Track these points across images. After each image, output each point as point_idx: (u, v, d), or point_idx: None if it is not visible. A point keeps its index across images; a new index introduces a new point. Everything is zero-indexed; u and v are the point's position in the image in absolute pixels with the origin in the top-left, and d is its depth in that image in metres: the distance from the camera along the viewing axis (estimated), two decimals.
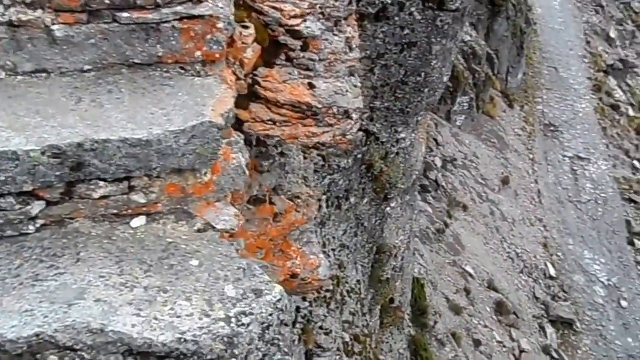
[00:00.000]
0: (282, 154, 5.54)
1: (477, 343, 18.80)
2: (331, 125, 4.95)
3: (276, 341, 2.22)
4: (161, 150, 2.25)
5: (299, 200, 5.34)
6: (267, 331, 2.13)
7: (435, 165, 20.53)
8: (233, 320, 2.05)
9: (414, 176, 11.60)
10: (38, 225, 2.30)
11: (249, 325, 2.05)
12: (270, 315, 2.13)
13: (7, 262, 2.21)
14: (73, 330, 1.94)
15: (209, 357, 1.99)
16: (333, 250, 10.19)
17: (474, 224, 21.82)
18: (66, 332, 1.94)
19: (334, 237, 10.26)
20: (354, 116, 4.99)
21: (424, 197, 19.94)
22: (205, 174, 2.43)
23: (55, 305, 2.02)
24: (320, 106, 4.84)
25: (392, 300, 13.70)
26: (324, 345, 9.55)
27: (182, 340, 1.96)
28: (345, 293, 10.48)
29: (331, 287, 9.61)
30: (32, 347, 1.93)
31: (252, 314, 2.09)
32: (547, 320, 20.70)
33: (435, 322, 17.66)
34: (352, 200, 10.45)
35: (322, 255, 5.30)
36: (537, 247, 22.67)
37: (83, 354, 1.95)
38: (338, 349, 9.53)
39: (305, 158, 7.13)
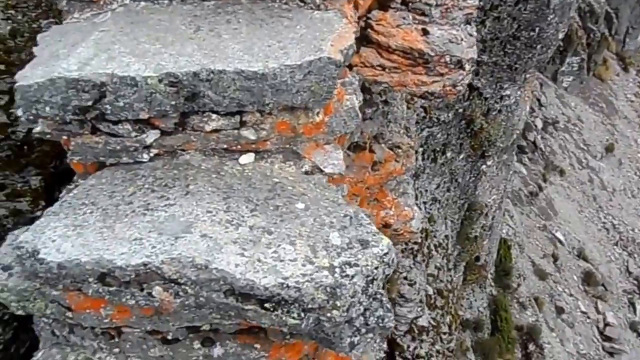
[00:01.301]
0: (385, 102, 5.21)
1: (560, 310, 17.92)
2: (442, 75, 4.53)
3: (379, 295, 2.02)
4: (275, 85, 2.05)
5: (399, 150, 5.03)
6: (370, 285, 1.93)
7: (535, 126, 19.14)
8: (337, 270, 1.87)
9: (514, 135, 10.81)
10: (152, 154, 2.22)
11: (353, 277, 1.86)
12: (376, 268, 1.93)
13: (121, 189, 2.16)
14: (179, 264, 1.85)
15: (309, 306, 1.84)
16: (424, 203, 9.85)
17: (570, 190, 20.35)
18: (172, 265, 1.85)
19: (426, 190, 9.90)
20: (467, 67, 4.54)
21: (520, 158, 18.77)
22: (317, 113, 2.21)
23: (163, 237, 1.94)
24: (432, 54, 4.43)
25: (477, 258, 13.23)
26: (406, 296, 9.40)
27: (285, 285, 1.82)
28: (432, 247, 10.18)
29: (419, 240, 9.36)
30: (139, 276, 1.87)
31: (357, 265, 1.90)
32: (638, 296, 19.26)
33: (519, 285, 16.98)
34: (448, 154, 9.96)
35: (416, 208, 5.00)
36: (637, 220, 20.86)
37: (187, 288, 1.87)
38: (420, 301, 9.36)
39: (408, 108, 6.74)
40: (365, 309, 1.96)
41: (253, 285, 1.81)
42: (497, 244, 15.24)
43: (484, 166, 11.28)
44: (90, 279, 1.89)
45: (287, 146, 2.28)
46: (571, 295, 19.00)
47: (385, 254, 1.97)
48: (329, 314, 1.85)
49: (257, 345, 2.11)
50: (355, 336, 1.98)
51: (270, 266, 1.86)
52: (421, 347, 9.42)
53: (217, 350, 2.11)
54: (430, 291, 10.02)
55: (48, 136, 2.21)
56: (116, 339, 2.13)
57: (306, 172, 2.27)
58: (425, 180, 10.03)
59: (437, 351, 9.95)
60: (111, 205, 2.08)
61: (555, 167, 19.39)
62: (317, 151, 2.30)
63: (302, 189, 2.19)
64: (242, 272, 1.82)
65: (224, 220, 2.00)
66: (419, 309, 9.29)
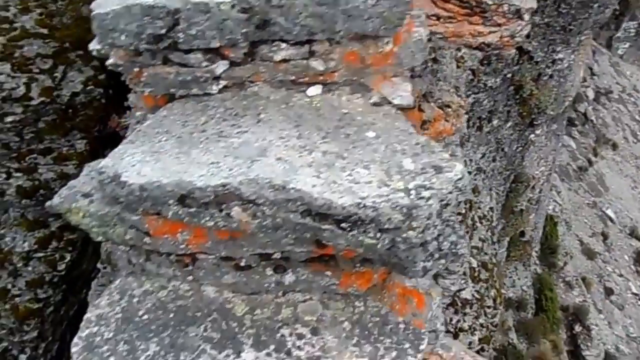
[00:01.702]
0: (435, 60, 5.22)
1: (609, 291, 17.63)
2: (499, 25, 4.52)
3: (451, 222, 2.10)
4: (347, 10, 2.12)
5: (449, 110, 5.05)
6: (444, 209, 2.01)
7: (587, 96, 18.63)
8: (412, 192, 1.95)
9: (566, 103, 10.58)
10: (220, 86, 2.33)
11: (428, 199, 1.94)
12: (450, 192, 2.00)
13: (193, 119, 2.27)
14: (256, 185, 1.96)
15: (386, 226, 1.92)
16: (469, 172, 9.79)
17: (623, 165, 19.85)
18: (250, 185, 1.96)
19: (470, 160, 9.84)
20: (526, 17, 4.51)
21: (569, 130, 18.38)
22: (387, 43, 2.28)
23: (239, 160, 2.05)
24: (490, 2, 4.42)
25: (522, 234, 13.11)
26: (449, 268, 9.43)
27: (362, 205, 1.91)
28: (476, 218, 10.14)
29: (463, 210, 9.33)
30: (218, 197, 1.98)
31: (431, 188, 1.97)
32: None
33: (565, 263, 16.75)
34: (495, 122, 9.84)
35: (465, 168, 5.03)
36: None
37: (264, 208, 1.98)
38: (464, 273, 9.37)
39: (457, 67, 6.70)
40: (438, 234, 2.04)
41: (330, 204, 1.90)
42: (544, 220, 15.03)
43: (532, 135, 11.10)
44: (171, 201, 2.02)
45: (355, 78, 2.36)
46: (621, 275, 18.65)
47: (459, 179, 2.04)
48: (404, 235, 1.93)
49: (328, 273, 2.22)
50: (428, 261, 2.06)
51: (346, 187, 1.95)
52: (464, 321, 9.46)
53: (289, 277, 2.22)
54: (474, 264, 10.00)
55: (120, 68, 2.34)
56: (190, 267, 2.28)
57: (374, 104, 2.34)
58: (469, 149, 9.96)
59: (481, 325, 9.97)
60: (185, 133, 2.20)
61: (608, 140, 18.89)
62: (385, 83, 2.37)
63: (372, 119, 2.27)
64: (319, 192, 1.92)
65: (297, 146, 2.10)
66: (462, 281, 9.30)
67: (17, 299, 5.74)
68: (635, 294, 18.63)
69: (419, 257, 2.05)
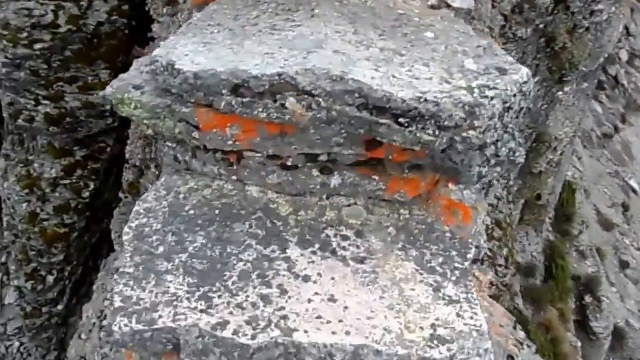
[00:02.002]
0: None
1: (624, 264, 17.55)
2: None
3: (510, 129, 2.05)
4: None
5: None
6: (506, 113, 1.96)
7: (619, 58, 18.12)
8: (475, 90, 1.91)
9: (601, 59, 10.30)
10: None
11: (492, 98, 1.89)
12: (514, 95, 1.95)
13: (244, 12, 2.23)
14: (313, 75, 1.92)
15: (446, 122, 1.88)
16: None
17: None
18: (306, 76, 1.92)
19: None
20: None
21: (596, 94, 17.95)
22: None
23: (295, 51, 2.00)
24: None
25: (538, 197, 13.00)
26: None
27: (422, 99, 1.86)
28: None
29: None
30: (273, 86, 1.95)
31: (495, 88, 1.92)
32: None
33: (580, 232, 16.65)
34: None
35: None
36: None
37: (320, 99, 1.94)
38: None
39: (493, 7, 6.52)
40: (497, 139, 2.00)
41: (390, 97, 1.86)
42: (561, 186, 14.87)
43: (560, 92, 10.86)
44: (224, 91, 1.99)
45: None
46: (639, 249, 18.53)
47: (524, 83, 1.98)
48: (464, 134, 1.89)
49: (375, 177, 2.20)
50: (484, 167, 2.03)
51: (406, 82, 1.90)
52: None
53: (335, 180, 2.21)
54: (488, 221, 9.99)
55: None
56: (235, 166, 2.26)
57: (432, 6, 2.27)
58: None
59: (491, 283, 10.03)
60: (237, 26, 2.15)
61: (638, 106, 18.45)
62: None
63: (429, 21, 2.20)
64: (378, 85, 1.88)
65: (354, 41, 2.05)
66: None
67: (45, 223, 5.88)
68: None
69: (475, 161, 2.01)
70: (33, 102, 5.93)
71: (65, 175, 5.78)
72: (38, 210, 5.81)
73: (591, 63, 9.95)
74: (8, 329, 9.56)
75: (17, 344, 9.52)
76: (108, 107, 6.05)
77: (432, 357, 1.85)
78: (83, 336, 5.43)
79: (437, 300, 1.98)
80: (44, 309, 6.77)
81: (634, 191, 18.31)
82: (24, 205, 5.92)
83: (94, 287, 5.41)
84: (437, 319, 1.93)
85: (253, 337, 1.87)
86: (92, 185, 5.88)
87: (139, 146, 5.51)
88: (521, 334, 4.76)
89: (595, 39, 9.37)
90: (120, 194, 5.66)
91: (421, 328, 1.90)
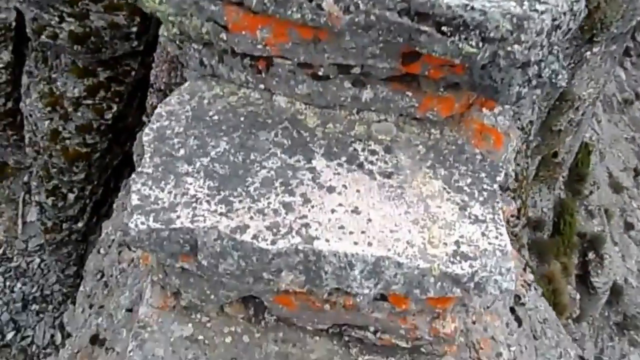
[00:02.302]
0: None
1: (629, 226, 17.45)
2: None
3: (556, 50, 1.89)
4: None
5: None
6: (554, 31, 1.79)
7: None
8: (525, 3, 1.74)
9: (634, 22, 9.81)
10: None
11: (542, 13, 1.73)
12: (564, 14, 1.78)
13: None
14: None
15: (491, 34, 1.73)
16: None
17: None
18: None
19: None
20: None
21: (621, 60, 17.34)
22: None
23: None
24: None
25: (555, 154, 12.77)
26: None
27: (469, 7, 1.71)
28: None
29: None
30: None
31: (546, 3, 1.76)
32: None
33: (591, 192, 16.48)
34: None
35: None
36: None
37: (359, 1, 1.80)
38: None
39: None
40: (541, 59, 1.84)
41: (434, 2, 1.71)
42: (578, 146, 14.57)
43: (588, 53, 10.43)
44: None
45: None
46: None
47: (576, 2, 1.80)
48: (509, 48, 1.75)
49: (409, 94, 2.07)
50: (524, 87, 1.89)
51: None
52: None
53: (367, 94, 2.08)
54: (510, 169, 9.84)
55: None
56: (263, 74, 2.14)
57: None
58: None
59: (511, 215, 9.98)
60: None
61: None
62: None
63: None
64: None
65: None
66: None
67: (67, 141, 5.83)
68: None
69: (516, 80, 1.87)
70: (57, 19, 5.76)
71: (89, 96, 5.69)
72: (60, 128, 5.76)
73: (623, 25, 9.48)
74: (29, 246, 9.77)
75: (37, 260, 9.75)
76: (134, 29, 5.87)
77: (454, 272, 1.77)
78: (102, 251, 5.48)
79: (463, 219, 1.89)
80: (64, 226, 6.85)
81: None
82: (46, 122, 5.86)
83: (115, 205, 5.41)
84: (461, 237, 1.84)
85: (273, 243, 1.80)
86: (115, 108, 5.79)
87: (164, 70, 5.37)
88: (530, 277, 4.72)
89: (630, 1, 8.89)
90: (144, 118, 5.57)
91: (445, 244, 1.82)
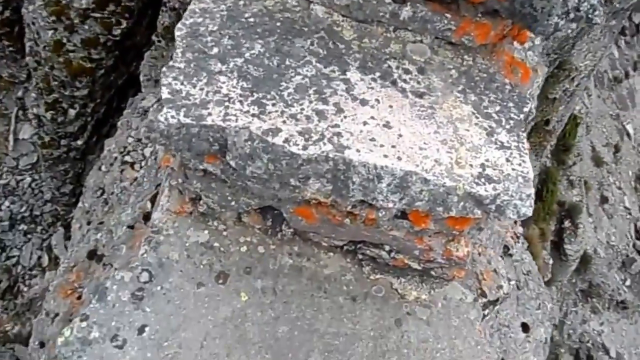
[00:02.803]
0: None
1: (604, 200, 17.84)
2: None
3: None
4: None
5: None
6: None
7: None
8: None
9: None
10: None
11: None
12: None
13: None
14: None
15: None
16: None
17: None
18: None
19: None
20: None
21: (616, 38, 17.19)
22: None
23: None
24: None
25: (547, 122, 12.81)
26: None
27: None
28: None
29: None
30: None
31: None
32: None
33: (574, 163, 16.72)
34: None
35: None
36: None
37: None
38: None
39: None
40: None
41: None
42: (568, 117, 14.63)
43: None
44: None
45: None
46: (620, 188, 18.76)
47: None
48: None
49: (448, 16, 2.00)
50: (562, 19, 1.84)
51: None
52: None
53: (406, 12, 2.00)
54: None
55: None
56: None
57: None
58: None
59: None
60: None
61: None
62: None
63: None
64: None
65: None
66: None
67: (71, 55, 5.61)
68: (627, 208, 18.88)
69: (555, 10, 1.81)
70: None
71: (97, 8, 5.44)
72: (64, 40, 5.52)
73: (625, 0, 9.32)
74: (20, 163, 9.55)
75: (28, 179, 9.55)
76: None
77: (478, 193, 1.76)
78: (103, 168, 5.40)
79: (489, 144, 1.87)
80: (62, 142, 6.69)
81: (628, 135, 18.20)
82: (50, 32, 5.60)
83: (119, 123, 5.28)
84: (487, 160, 1.82)
85: (304, 148, 1.76)
86: (124, 24, 5.56)
87: None
88: (520, 229, 4.79)
89: None
90: (154, 37, 5.36)
91: (471, 165, 1.80)
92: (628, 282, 18.36)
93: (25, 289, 8.92)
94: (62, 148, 6.82)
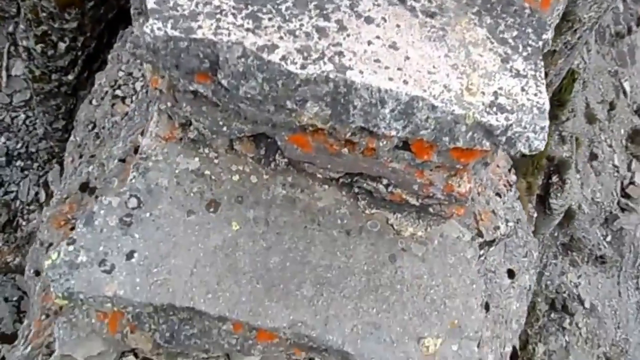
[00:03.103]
0: None
1: (593, 157, 17.82)
2: None
3: None
4: None
5: None
6: None
7: None
8: None
9: None
10: None
11: None
12: None
13: None
14: None
15: None
16: None
17: None
18: None
19: None
20: None
21: None
22: None
23: None
24: None
25: (545, 75, 12.56)
26: None
27: None
28: None
29: None
30: None
31: None
32: None
33: (567, 119, 16.57)
34: None
35: None
36: None
37: None
38: None
39: None
40: None
41: None
42: (566, 71, 14.34)
43: None
44: None
45: None
46: (610, 146, 18.72)
47: None
48: None
49: None
50: None
51: None
52: None
53: None
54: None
55: None
56: None
57: None
58: None
59: None
60: None
61: None
62: None
63: None
64: None
65: None
66: None
67: None
68: (615, 166, 18.92)
69: None
70: None
71: None
72: None
73: None
74: (14, 100, 9.30)
75: (22, 116, 9.32)
76: None
77: (489, 122, 1.62)
78: (94, 102, 5.19)
79: (504, 71, 1.70)
80: (53, 76, 6.43)
81: (624, 93, 17.99)
82: None
83: (109, 57, 5.02)
84: (500, 88, 1.67)
85: (303, 67, 1.59)
86: None
87: None
88: (513, 177, 4.68)
89: None
90: None
91: (483, 93, 1.64)
92: (609, 238, 18.64)
93: (24, 223, 8.89)
94: (53, 82, 6.55)
